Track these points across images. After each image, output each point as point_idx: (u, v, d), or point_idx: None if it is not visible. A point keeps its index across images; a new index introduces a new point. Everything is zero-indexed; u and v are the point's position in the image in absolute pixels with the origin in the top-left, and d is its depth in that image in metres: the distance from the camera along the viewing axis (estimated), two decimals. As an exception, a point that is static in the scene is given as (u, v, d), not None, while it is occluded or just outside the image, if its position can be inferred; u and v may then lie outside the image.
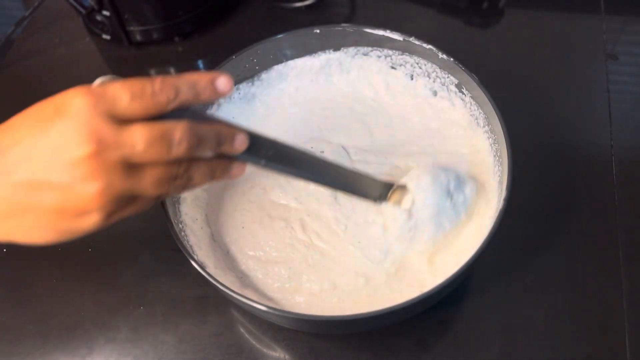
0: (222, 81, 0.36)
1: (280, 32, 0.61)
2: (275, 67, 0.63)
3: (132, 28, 0.74)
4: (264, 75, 0.63)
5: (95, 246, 0.59)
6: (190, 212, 0.54)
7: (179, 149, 0.34)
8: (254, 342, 0.53)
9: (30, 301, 0.56)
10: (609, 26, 0.74)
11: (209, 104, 0.35)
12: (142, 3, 0.72)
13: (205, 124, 0.36)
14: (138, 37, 0.75)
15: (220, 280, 0.44)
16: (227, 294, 0.44)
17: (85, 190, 0.32)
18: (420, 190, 0.50)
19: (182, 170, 0.35)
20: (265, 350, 0.52)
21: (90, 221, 0.35)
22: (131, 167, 0.33)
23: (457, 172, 0.52)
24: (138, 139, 0.32)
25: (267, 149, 0.41)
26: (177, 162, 0.35)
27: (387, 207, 0.50)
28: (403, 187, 0.50)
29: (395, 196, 0.50)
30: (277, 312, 0.44)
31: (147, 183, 0.34)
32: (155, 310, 0.54)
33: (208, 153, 0.37)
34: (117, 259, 0.58)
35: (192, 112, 0.36)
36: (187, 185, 0.37)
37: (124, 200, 0.34)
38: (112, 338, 0.53)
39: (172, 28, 0.76)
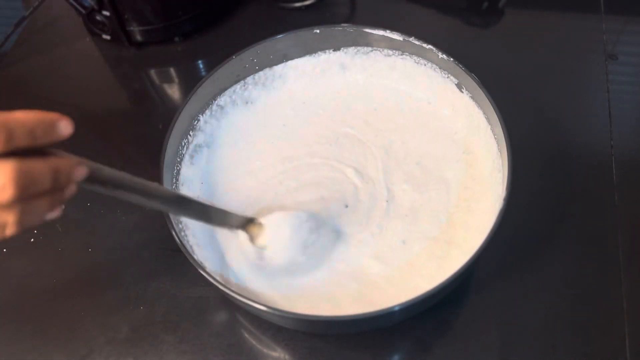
0: (64, 124, 0.32)
1: (280, 32, 0.61)
2: (275, 67, 0.63)
3: (132, 28, 0.74)
4: (264, 76, 0.63)
5: (95, 246, 0.59)
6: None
7: (3, 195, 0.29)
8: (254, 342, 0.53)
9: (30, 301, 0.56)
10: (609, 26, 0.74)
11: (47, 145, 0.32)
12: (142, 3, 0.72)
13: (39, 159, 0.31)
14: (138, 37, 0.75)
15: (220, 281, 0.44)
16: (227, 294, 0.44)
17: None
18: (276, 240, 0.50)
19: (12, 217, 0.31)
20: (265, 350, 0.52)
21: None
22: None
23: (318, 223, 0.52)
24: None
25: (110, 179, 0.38)
26: (6, 207, 0.30)
27: (243, 235, 0.50)
28: (261, 225, 0.50)
29: (252, 229, 0.50)
30: (277, 312, 0.44)
31: None
32: (155, 310, 0.54)
33: (44, 188, 0.32)
34: (117, 259, 0.58)
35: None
36: (19, 227, 0.32)
37: None
38: (112, 338, 0.53)
39: (172, 28, 0.76)
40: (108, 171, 0.37)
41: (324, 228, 0.52)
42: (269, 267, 0.50)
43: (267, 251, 0.49)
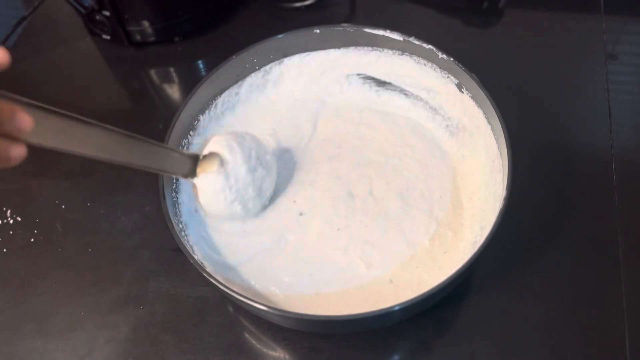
0: (24, 118, 0.32)
1: (280, 32, 0.61)
2: (275, 67, 0.63)
3: (132, 28, 0.74)
4: (263, 76, 0.63)
5: (95, 246, 0.59)
6: (190, 212, 0.54)
7: None
8: (254, 342, 0.53)
9: (30, 301, 0.56)
10: (609, 26, 0.74)
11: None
12: (142, 3, 0.72)
13: None
14: (138, 37, 0.75)
15: (220, 280, 0.44)
16: (227, 294, 0.44)
17: None
18: (229, 149, 0.50)
19: None
20: (265, 350, 0.52)
21: None
22: None
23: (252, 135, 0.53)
24: None
25: (54, 128, 0.36)
26: None
27: (200, 179, 0.50)
28: (209, 155, 0.50)
29: (203, 165, 0.50)
30: (277, 312, 0.44)
31: None
32: (155, 310, 0.54)
33: None
34: (117, 259, 0.58)
35: None
36: None
37: None
38: (112, 338, 0.53)
39: (172, 28, 0.76)
40: (57, 119, 0.36)
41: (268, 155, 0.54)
42: (239, 178, 0.50)
43: (226, 165, 0.49)
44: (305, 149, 0.60)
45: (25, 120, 0.32)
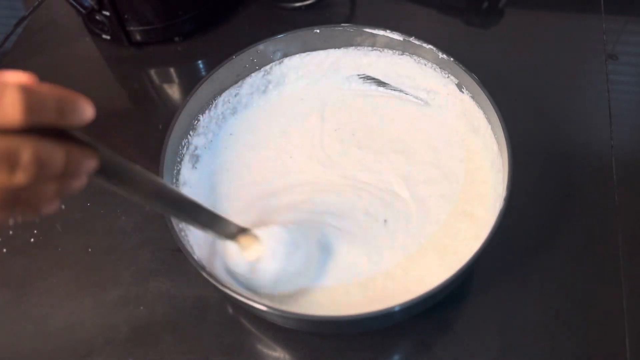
0: (87, 106, 0.31)
1: (280, 32, 0.61)
2: (275, 67, 0.63)
3: (132, 28, 0.74)
4: (263, 76, 0.63)
5: (95, 246, 0.59)
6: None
7: (23, 177, 0.27)
8: (254, 342, 0.53)
9: (30, 301, 0.56)
10: (609, 26, 0.74)
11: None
12: (142, 3, 0.72)
13: (56, 140, 0.29)
14: (138, 37, 0.75)
15: (220, 281, 0.44)
16: (227, 294, 0.44)
17: None
18: (271, 254, 0.47)
19: (25, 196, 0.28)
20: (265, 350, 0.52)
21: None
22: None
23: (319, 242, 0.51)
24: None
25: (119, 172, 0.36)
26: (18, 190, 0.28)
27: (233, 246, 0.47)
28: (255, 237, 0.47)
29: (244, 240, 0.47)
30: (277, 312, 0.44)
31: None
32: (155, 310, 0.54)
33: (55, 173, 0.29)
34: (117, 259, 0.58)
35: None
36: (31, 212, 0.29)
37: None
38: (112, 338, 0.53)
39: (172, 28, 0.76)
40: (119, 164, 0.36)
41: (313, 241, 0.51)
42: (260, 279, 0.47)
43: (261, 264, 0.47)
44: (307, 149, 0.60)
45: (91, 163, 0.31)
